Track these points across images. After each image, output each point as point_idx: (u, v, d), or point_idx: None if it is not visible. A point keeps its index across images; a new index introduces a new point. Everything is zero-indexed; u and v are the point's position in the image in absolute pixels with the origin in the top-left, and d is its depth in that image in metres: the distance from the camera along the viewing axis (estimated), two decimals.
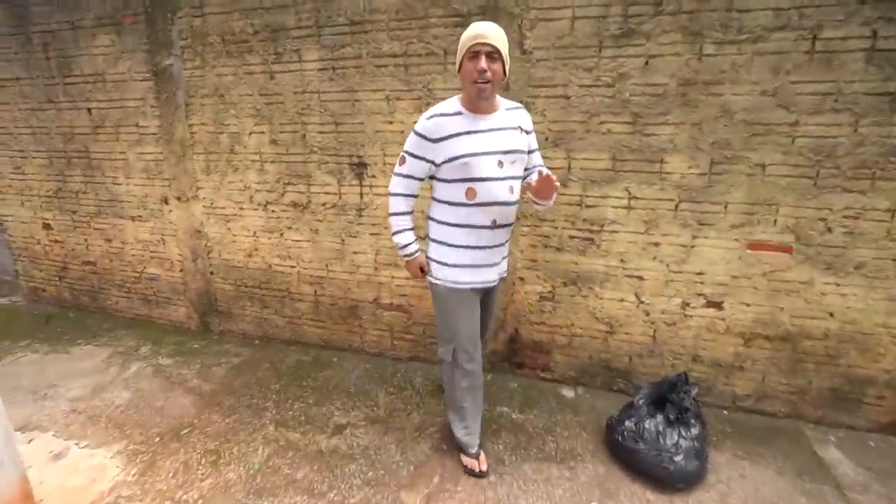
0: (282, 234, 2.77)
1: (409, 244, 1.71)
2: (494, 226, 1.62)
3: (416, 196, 1.70)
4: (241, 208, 2.80)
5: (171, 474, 1.91)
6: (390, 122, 2.35)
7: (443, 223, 1.66)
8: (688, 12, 1.91)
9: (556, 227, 2.28)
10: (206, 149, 2.77)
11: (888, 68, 1.78)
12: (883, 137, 1.84)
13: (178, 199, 2.93)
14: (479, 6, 2.10)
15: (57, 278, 3.50)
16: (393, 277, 2.60)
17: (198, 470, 1.93)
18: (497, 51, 1.47)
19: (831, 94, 1.85)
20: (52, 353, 2.88)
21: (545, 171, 1.55)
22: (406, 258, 1.74)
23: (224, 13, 2.51)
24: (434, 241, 1.71)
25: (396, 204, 1.69)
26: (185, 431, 2.15)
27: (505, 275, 1.81)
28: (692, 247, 2.14)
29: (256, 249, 2.85)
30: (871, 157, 1.87)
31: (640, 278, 2.23)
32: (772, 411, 2.23)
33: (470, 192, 1.58)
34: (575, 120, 2.13)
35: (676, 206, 2.11)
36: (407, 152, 1.63)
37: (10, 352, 2.90)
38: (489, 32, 1.46)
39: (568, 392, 2.40)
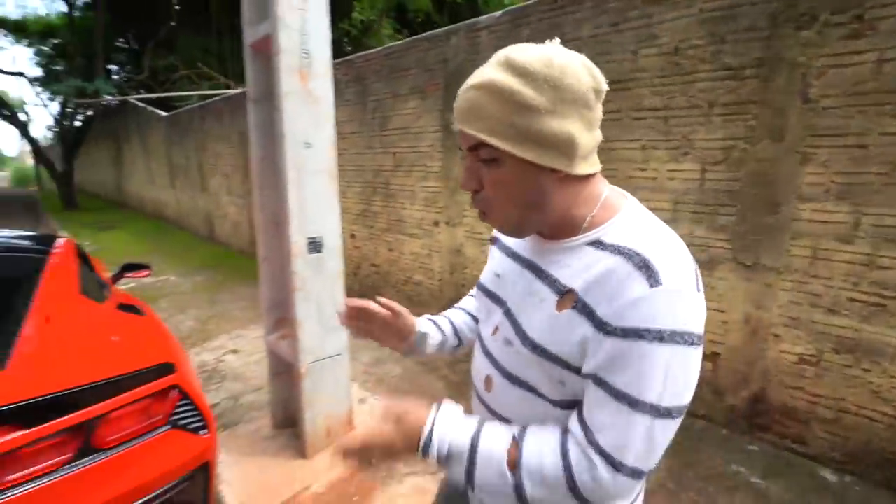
0: None
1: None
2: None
3: (466, 311, 0.98)
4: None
5: None
6: (643, 170, 2.53)
7: None
8: None
9: (832, 286, 2.06)
10: None
11: None
12: None
13: (447, 223, 3.69)
14: (755, 59, 2.12)
15: (353, 274, 4.77)
16: None
17: None
18: (480, 144, 0.61)
19: None
20: None
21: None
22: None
23: None
24: None
25: None
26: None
27: None
28: None
29: None
30: None
31: None
32: None
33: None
34: (872, 171, 1.92)
35: None
36: None
37: None
38: (465, 103, 0.60)
39: (830, 476, 2.10)
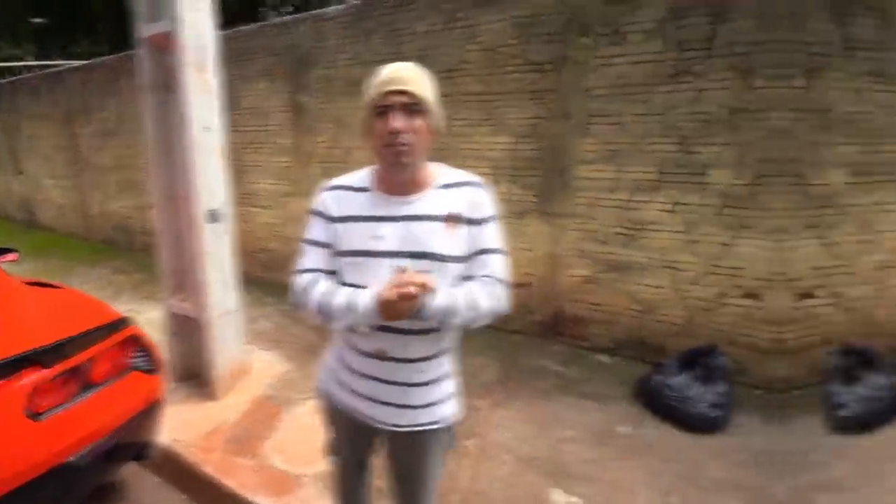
0: None
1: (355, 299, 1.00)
2: (384, 357, 1.06)
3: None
4: None
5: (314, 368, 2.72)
6: (469, 143, 3.12)
7: None
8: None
9: (603, 225, 2.87)
10: (322, 160, 3.74)
11: None
12: None
13: (298, 194, 3.90)
14: (553, 57, 2.81)
15: None
16: None
17: None
18: (419, 101, 0.96)
19: None
20: None
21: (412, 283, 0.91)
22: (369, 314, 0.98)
23: (346, 66, 3.47)
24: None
25: (303, 298, 1.07)
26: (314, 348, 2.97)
27: (439, 424, 1.14)
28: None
29: None
30: None
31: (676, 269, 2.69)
32: None
33: None
34: (626, 141, 2.70)
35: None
36: (306, 241, 1.12)
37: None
38: (406, 75, 0.97)
39: (604, 358, 2.96)
